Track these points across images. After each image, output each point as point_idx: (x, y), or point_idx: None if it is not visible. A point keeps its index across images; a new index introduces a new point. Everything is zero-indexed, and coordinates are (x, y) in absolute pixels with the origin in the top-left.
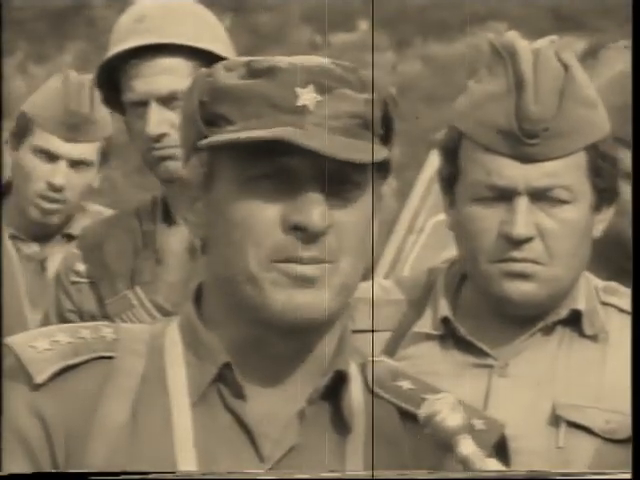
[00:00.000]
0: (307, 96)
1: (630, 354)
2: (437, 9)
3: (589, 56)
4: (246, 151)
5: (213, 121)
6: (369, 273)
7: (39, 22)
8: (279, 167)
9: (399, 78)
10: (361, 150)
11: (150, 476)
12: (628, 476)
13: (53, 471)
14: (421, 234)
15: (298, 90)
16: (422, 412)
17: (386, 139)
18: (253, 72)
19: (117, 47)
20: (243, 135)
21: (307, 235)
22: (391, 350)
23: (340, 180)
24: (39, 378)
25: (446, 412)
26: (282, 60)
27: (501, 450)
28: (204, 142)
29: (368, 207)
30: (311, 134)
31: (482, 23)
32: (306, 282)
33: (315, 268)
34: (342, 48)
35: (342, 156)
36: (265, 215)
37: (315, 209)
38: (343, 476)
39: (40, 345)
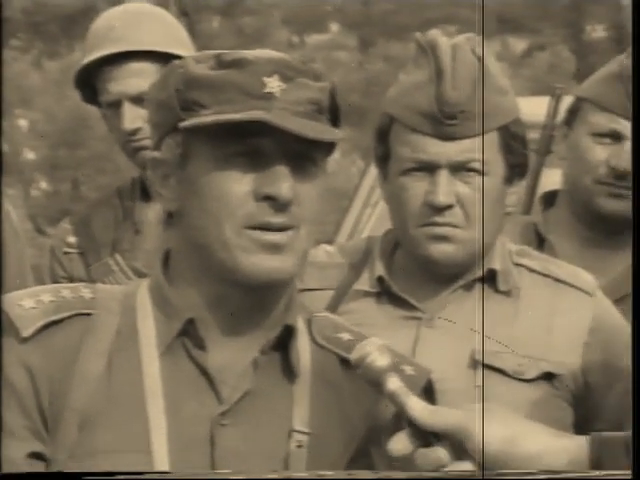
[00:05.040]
0: (273, 84)
1: (631, 355)
2: (398, 14)
3: (527, 55)
4: (220, 132)
5: (188, 107)
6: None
7: (52, 24)
8: (250, 146)
9: (365, 74)
10: (323, 130)
11: (147, 476)
12: (628, 476)
13: (48, 472)
14: (376, 207)
15: (265, 79)
16: (354, 355)
17: (334, 123)
18: (222, 63)
19: (91, 55)
20: (224, 117)
21: (277, 204)
22: (334, 305)
23: (302, 157)
24: (25, 332)
25: (375, 354)
26: (248, 53)
27: (429, 392)
28: (187, 123)
29: (323, 181)
30: (281, 117)
31: (437, 26)
32: (274, 248)
33: (282, 236)
34: (315, 47)
35: (311, 135)
36: (238, 188)
37: (284, 182)
38: (348, 476)
39: (26, 304)
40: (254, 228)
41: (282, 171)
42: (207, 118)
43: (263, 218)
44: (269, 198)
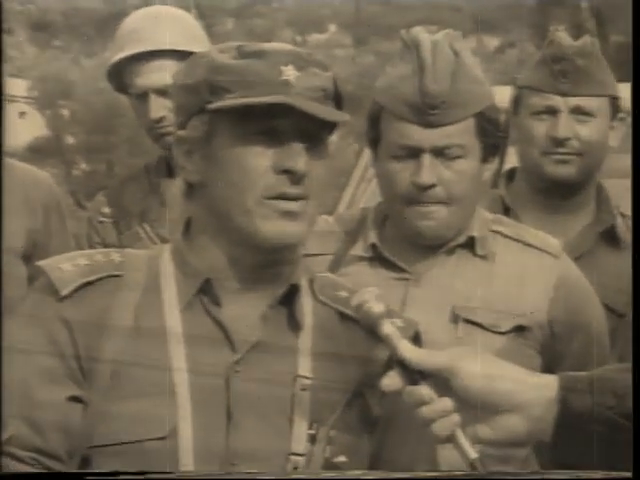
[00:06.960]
0: (289, 72)
1: (632, 357)
2: (387, 16)
3: (499, 51)
4: (243, 113)
5: (214, 91)
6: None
7: (88, 26)
8: (269, 126)
9: (358, 67)
10: (334, 113)
11: (150, 476)
12: (628, 475)
13: (50, 472)
14: (370, 183)
15: (282, 68)
16: (353, 302)
17: (338, 107)
18: (243, 54)
19: (119, 54)
20: (251, 100)
21: (294, 177)
22: (334, 269)
23: (313, 137)
24: (64, 292)
25: (372, 302)
26: (265, 45)
27: (416, 342)
28: (215, 105)
29: (330, 159)
30: (300, 100)
31: (420, 26)
32: (290, 215)
33: (297, 204)
34: (316, 45)
35: (327, 117)
36: (259, 162)
37: (300, 157)
38: (344, 476)
39: (64, 267)
40: (273, 198)
41: (298, 148)
42: (235, 101)
43: (281, 189)
44: (287, 172)
